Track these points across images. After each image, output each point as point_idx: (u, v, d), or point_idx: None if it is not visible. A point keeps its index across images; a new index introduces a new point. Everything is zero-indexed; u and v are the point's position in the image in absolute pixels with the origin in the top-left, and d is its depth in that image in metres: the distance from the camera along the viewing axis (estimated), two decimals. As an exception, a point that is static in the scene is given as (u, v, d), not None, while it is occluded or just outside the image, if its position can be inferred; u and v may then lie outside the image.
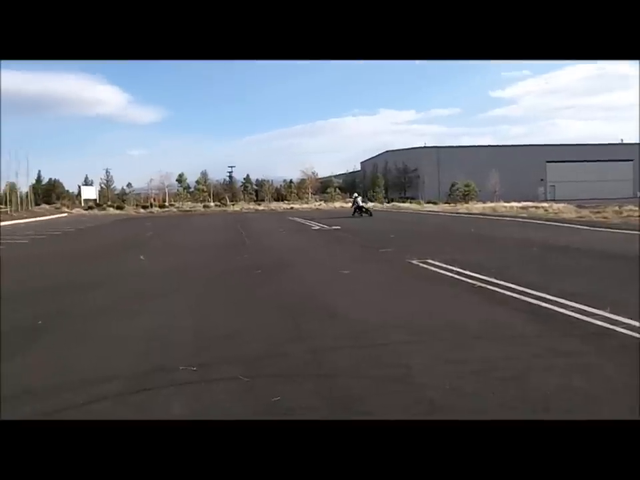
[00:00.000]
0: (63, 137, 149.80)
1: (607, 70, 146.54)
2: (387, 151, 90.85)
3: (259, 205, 71.27)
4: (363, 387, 4.74)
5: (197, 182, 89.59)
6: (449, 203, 59.14)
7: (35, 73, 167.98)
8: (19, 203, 57.91)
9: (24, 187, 66.11)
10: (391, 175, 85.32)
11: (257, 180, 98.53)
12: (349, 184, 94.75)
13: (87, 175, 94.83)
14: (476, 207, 46.95)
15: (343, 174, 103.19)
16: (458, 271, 10.69)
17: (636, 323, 6.31)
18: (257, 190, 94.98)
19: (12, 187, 60.11)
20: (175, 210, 65.26)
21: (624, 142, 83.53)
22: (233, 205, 71.37)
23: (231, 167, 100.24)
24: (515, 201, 50.15)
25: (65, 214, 58.71)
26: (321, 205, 67.86)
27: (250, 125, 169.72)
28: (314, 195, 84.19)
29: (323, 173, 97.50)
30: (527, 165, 77.64)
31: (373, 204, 63.43)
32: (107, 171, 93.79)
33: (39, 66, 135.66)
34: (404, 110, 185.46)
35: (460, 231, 23.05)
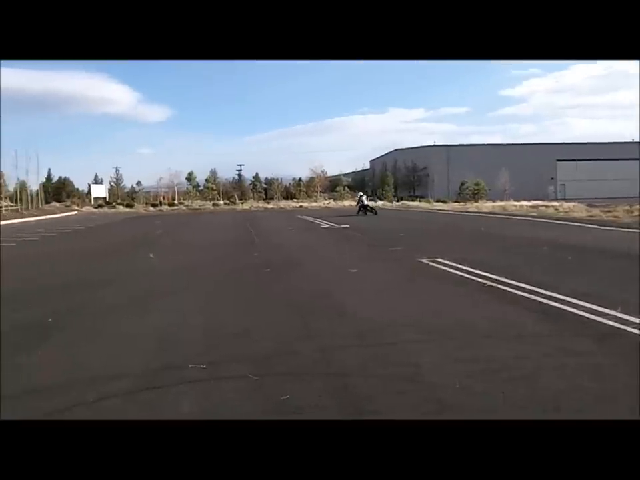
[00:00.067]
0: (74, 135, 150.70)
1: (614, 68, 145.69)
2: (396, 150, 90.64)
3: (268, 203, 71.32)
4: (372, 385, 4.72)
5: (206, 180, 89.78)
6: (459, 202, 58.93)
7: (48, 72, 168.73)
8: (29, 201, 58.16)
9: (34, 185, 66.45)
10: (400, 174, 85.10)
11: (266, 178, 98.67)
12: (358, 182, 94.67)
13: (96, 173, 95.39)
14: (486, 205, 46.79)
15: (352, 172, 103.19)
16: (468, 270, 10.65)
17: (647, 323, 6.27)
18: (266, 188, 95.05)
19: (22, 185, 60.38)
20: (184, 208, 65.45)
21: (635, 141, 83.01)
22: (242, 203, 71.45)
23: (240, 165, 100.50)
24: (524, 199, 49.89)
25: (75, 212, 59.04)
26: (330, 203, 67.83)
27: (258, 124, 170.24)
28: (323, 193, 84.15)
29: (332, 171, 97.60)
30: (537, 164, 77.21)
31: (382, 202, 63.42)
32: (116, 169, 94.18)
33: (52, 65, 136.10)
34: (413, 108, 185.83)
35: (470, 229, 22.98)
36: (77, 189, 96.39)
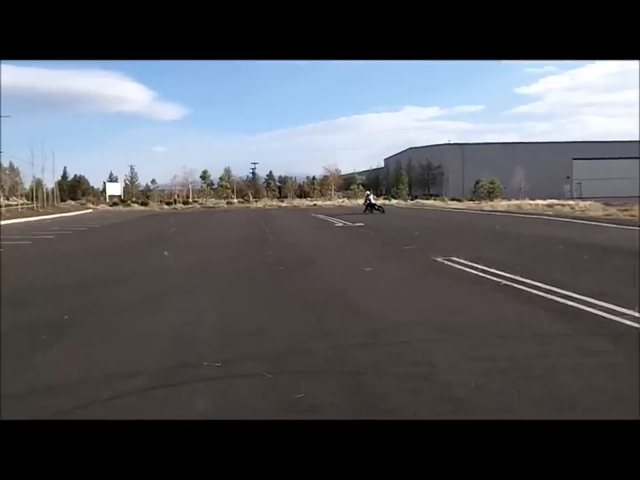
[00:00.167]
0: (89, 134, 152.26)
1: (629, 67, 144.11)
2: (410, 148, 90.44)
3: (282, 201, 71.38)
4: (386, 384, 4.70)
5: (221, 178, 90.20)
6: (474, 201, 58.73)
7: (63, 71, 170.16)
8: (45, 198, 58.64)
9: (50, 183, 67.06)
10: (415, 172, 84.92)
11: (280, 177, 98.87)
12: (372, 181, 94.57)
13: (111, 172, 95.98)
14: (501, 204, 46.58)
15: (366, 171, 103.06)
16: (483, 269, 10.58)
17: (666, 323, 6.20)
18: (280, 187, 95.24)
19: (38, 183, 60.91)
20: (198, 206, 65.70)
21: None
22: (256, 201, 71.59)
23: (254, 163, 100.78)
24: (540, 198, 49.67)
25: (90, 210, 59.43)
26: (344, 201, 67.76)
27: (273, 122, 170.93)
28: (337, 191, 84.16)
29: (345, 169, 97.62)
30: (553, 162, 76.66)
31: (396, 201, 63.38)
32: (131, 168, 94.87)
33: (67, 64, 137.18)
34: (428, 106, 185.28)
35: (485, 228, 22.88)
36: (92, 187, 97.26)
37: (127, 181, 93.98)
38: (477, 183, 68.67)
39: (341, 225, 26.87)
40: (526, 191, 61.11)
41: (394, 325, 6.65)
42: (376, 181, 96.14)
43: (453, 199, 61.62)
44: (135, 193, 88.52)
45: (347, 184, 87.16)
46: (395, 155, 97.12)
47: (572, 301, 7.54)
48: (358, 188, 79.46)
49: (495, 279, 9.61)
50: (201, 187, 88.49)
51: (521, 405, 4.19)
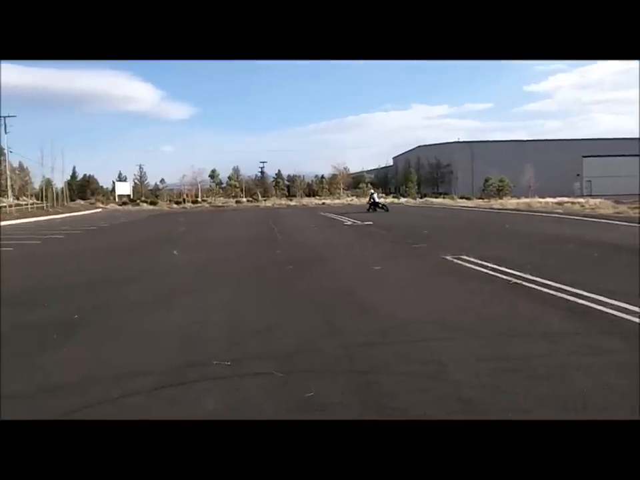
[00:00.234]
0: (98, 133, 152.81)
1: (638, 64, 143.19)
2: (419, 146, 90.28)
3: (291, 200, 71.39)
4: (395, 383, 4.69)
5: (229, 178, 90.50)
6: (483, 199, 58.53)
7: (71, 71, 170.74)
8: (54, 198, 58.93)
9: (59, 182, 67.39)
10: (424, 170, 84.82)
11: (289, 175, 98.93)
12: (381, 179, 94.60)
13: (120, 171, 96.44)
14: (510, 202, 46.42)
15: (374, 169, 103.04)
16: (493, 267, 10.54)
17: (677, 321, 6.15)
18: (288, 185, 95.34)
19: (48, 183, 61.25)
20: (207, 205, 65.88)
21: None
22: (265, 200, 71.68)
23: (263, 162, 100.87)
24: (550, 196, 49.49)
25: (100, 209, 59.70)
26: (352, 200, 67.70)
27: (281, 121, 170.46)
28: (346, 190, 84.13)
29: (354, 168, 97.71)
30: (563, 160, 76.26)
31: (405, 199, 63.30)
32: (140, 167, 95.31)
33: (75, 64, 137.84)
34: (436, 105, 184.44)
35: (494, 227, 22.81)
36: (101, 186, 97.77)
37: (136, 181, 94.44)
38: (486, 181, 68.50)
39: (349, 223, 26.85)
40: (535, 189, 60.88)
41: (403, 323, 6.64)
42: (385, 180, 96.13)
43: (462, 197, 61.47)
44: (144, 193, 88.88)
45: (355, 182, 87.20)
46: (403, 154, 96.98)
47: (582, 299, 7.50)
48: (367, 186, 79.32)
49: (504, 277, 9.57)
50: (210, 186, 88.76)
51: (529, 405, 4.17)
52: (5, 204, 48.69)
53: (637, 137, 77.45)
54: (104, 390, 4.65)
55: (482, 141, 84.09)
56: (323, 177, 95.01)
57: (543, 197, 48.96)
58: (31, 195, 65.61)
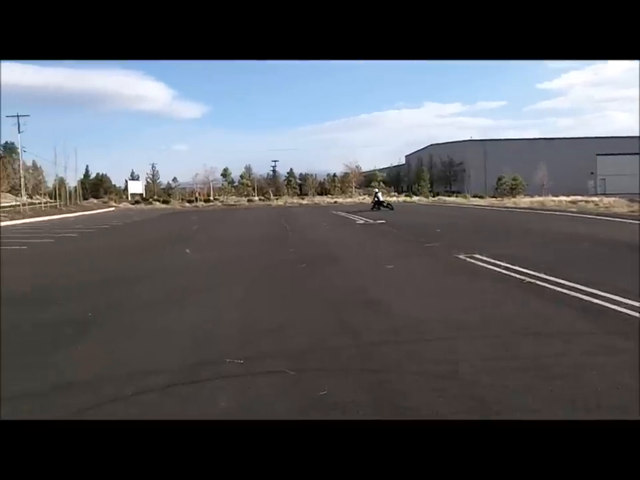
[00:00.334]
0: (111, 132, 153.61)
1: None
2: (431, 145, 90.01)
3: (303, 199, 71.39)
4: (407, 382, 4.68)
5: (241, 176, 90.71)
6: (496, 197, 58.26)
7: (84, 70, 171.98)
8: (67, 197, 59.31)
9: (72, 181, 67.84)
10: (436, 169, 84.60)
11: (301, 174, 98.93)
12: (393, 178, 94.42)
13: (133, 170, 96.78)
14: (523, 201, 46.13)
15: (387, 168, 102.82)
16: (506, 266, 10.48)
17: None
18: (300, 184, 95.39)
19: (61, 182, 61.65)
20: (219, 204, 66.02)
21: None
22: (277, 199, 71.76)
23: (275, 161, 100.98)
24: (563, 194, 49.11)
25: (113, 208, 60.03)
26: (364, 198, 67.57)
27: (293, 120, 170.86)
28: (358, 188, 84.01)
29: (366, 166, 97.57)
30: (576, 158, 75.73)
31: (417, 198, 63.15)
32: (152, 166, 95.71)
33: (88, 63, 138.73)
34: (449, 103, 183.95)
35: (507, 225, 22.71)
36: (114, 185, 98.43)
37: (148, 179, 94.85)
38: (499, 179, 68.19)
39: (362, 222, 26.82)
40: (549, 188, 60.49)
41: (415, 322, 6.62)
42: (397, 178, 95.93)
43: (474, 196, 61.18)
44: (157, 191, 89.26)
45: (367, 181, 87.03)
46: (416, 152, 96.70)
47: (596, 298, 7.44)
48: (379, 185, 79.28)
49: (518, 276, 9.51)
50: (222, 184, 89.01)
51: (544, 404, 4.14)
52: (19, 203, 49.03)
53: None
54: (117, 388, 4.67)
55: (495, 139, 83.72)
56: (335, 175, 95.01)
57: (557, 196, 48.57)
58: (45, 194, 66.13)
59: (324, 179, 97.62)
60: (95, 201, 72.11)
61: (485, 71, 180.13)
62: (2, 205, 47.67)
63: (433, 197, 67.29)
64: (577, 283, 8.44)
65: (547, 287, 8.46)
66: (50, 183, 72.71)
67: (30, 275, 11.72)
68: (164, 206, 64.38)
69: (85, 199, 71.32)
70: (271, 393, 4.51)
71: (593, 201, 37.50)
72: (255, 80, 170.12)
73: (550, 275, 9.26)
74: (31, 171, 74.20)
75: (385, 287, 9.18)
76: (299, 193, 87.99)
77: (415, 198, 64.51)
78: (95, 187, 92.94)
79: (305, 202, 65.08)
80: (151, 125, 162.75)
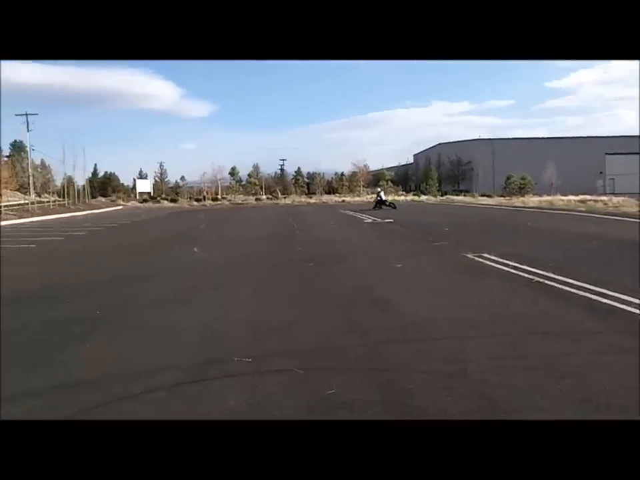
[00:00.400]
0: (119, 131, 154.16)
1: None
2: (440, 144, 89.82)
3: (311, 197, 71.42)
4: (415, 381, 4.67)
5: (249, 175, 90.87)
6: (504, 196, 58.13)
7: (93, 69, 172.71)
8: (76, 195, 59.55)
9: (81, 180, 68.12)
10: (444, 168, 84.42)
11: (308, 173, 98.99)
12: (401, 177, 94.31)
13: (141, 169, 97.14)
14: (532, 200, 45.96)
15: (395, 166, 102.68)
16: (515, 266, 10.45)
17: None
18: (308, 183, 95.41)
19: (69, 180, 61.88)
20: (227, 203, 66.16)
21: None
22: (285, 197, 71.83)
23: (283, 160, 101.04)
24: (572, 194, 48.90)
25: (121, 206, 60.25)
26: (372, 197, 67.59)
27: (301, 118, 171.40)
28: (365, 187, 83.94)
29: (374, 165, 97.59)
30: (585, 157, 75.42)
31: (426, 197, 63.05)
32: (160, 165, 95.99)
33: (96, 62, 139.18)
34: (457, 102, 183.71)
35: (516, 224, 22.63)
36: (122, 183, 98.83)
37: (156, 178, 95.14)
38: (508, 178, 68.00)
39: (370, 221, 26.78)
40: (558, 187, 60.25)
41: (423, 321, 6.61)
42: (405, 177, 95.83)
43: (483, 195, 61.06)
44: (165, 190, 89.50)
45: (375, 180, 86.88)
46: (424, 151, 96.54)
47: (605, 297, 7.41)
48: (387, 184, 79.15)
49: (526, 275, 9.48)
50: (230, 183, 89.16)
51: (552, 404, 4.13)
52: (27, 201, 49.25)
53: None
54: (125, 386, 4.68)
55: (503, 138, 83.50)
56: (342, 174, 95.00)
57: (565, 195, 48.36)
58: (53, 192, 66.45)
59: (332, 178, 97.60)
60: (103, 199, 72.41)
61: (493, 70, 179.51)
62: (11, 203, 47.91)
63: (441, 196, 67.19)
64: (586, 282, 8.40)
65: (556, 286, 8.43)
66: (58, 181, 73.13)
67: (38, 273, 11.77)
68: (172, 205, 64.55)
69: (93, 197, 71.61)
70: (278, 392, 4.51)
71: (602, 200, 37.32)
72: (262, 79, 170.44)
73: (558, 274, 9.22)
74: (39, 169, 74.60)
75: (393, 286, 9.16)
76: (306, 191, 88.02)
77: (423, 197, 64.42)
78: (103, 185, 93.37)
79: (312, 201, 65.11)
80: (159, 123, 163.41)
